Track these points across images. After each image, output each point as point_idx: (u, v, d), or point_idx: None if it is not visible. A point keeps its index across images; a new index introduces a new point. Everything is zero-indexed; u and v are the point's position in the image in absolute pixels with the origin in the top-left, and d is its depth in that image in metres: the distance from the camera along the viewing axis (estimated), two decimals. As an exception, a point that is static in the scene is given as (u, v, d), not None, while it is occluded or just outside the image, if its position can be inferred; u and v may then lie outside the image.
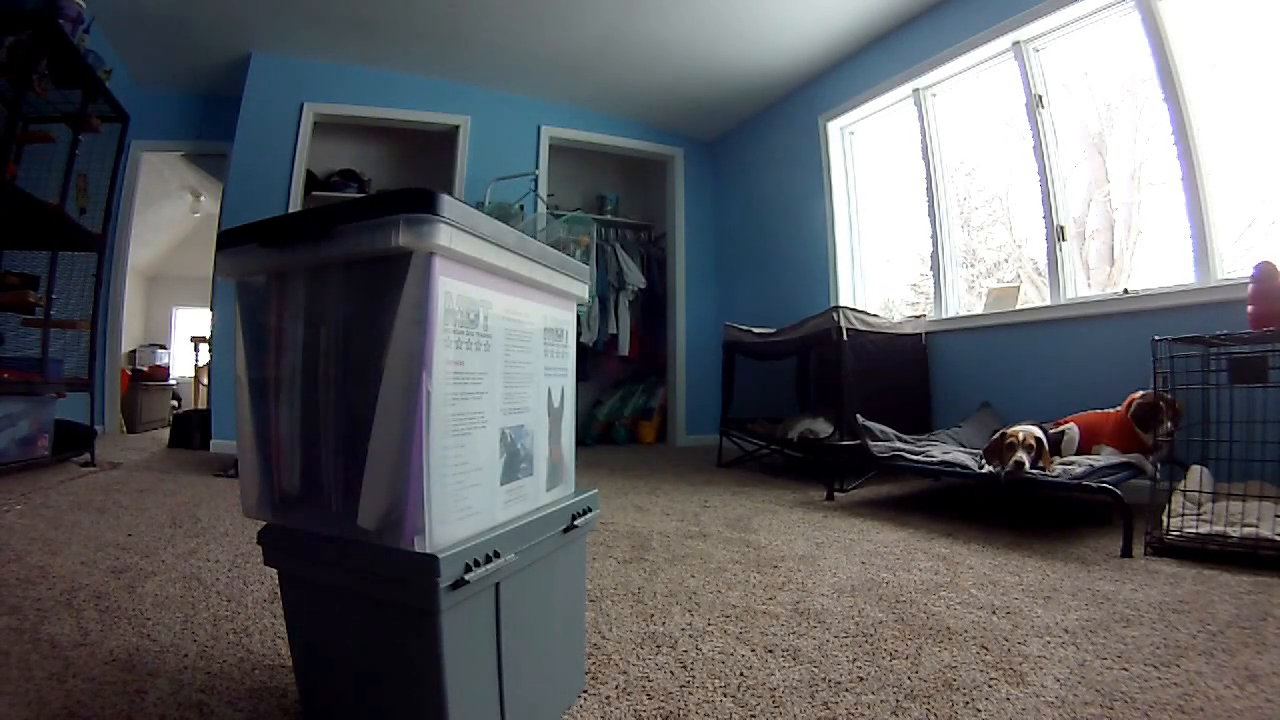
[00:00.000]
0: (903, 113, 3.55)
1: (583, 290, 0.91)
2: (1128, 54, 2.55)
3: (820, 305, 3.31)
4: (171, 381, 6.26)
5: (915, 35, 3.32)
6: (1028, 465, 1.83)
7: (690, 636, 1.07)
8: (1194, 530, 1.58)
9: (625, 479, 2.94)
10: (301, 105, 3.85)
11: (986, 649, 1.02)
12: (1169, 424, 1.85)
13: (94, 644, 1.00)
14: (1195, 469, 1.85)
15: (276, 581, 0.77)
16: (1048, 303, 2.78)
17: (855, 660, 0.98)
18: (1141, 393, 1.98)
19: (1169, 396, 1.82)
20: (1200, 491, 1.74)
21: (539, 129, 4.40)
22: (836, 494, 2.47)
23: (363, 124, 4.20)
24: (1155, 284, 2.42)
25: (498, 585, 0.68)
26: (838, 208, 3.87)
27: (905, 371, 3.08)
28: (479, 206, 3.72)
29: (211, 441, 3.60)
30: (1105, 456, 1.95)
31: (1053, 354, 2.67)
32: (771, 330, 3.35)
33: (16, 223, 2.48)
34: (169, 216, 6.41)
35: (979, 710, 0.82)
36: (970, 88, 3.24)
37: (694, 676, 0.93)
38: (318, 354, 0.67)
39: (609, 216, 5.11)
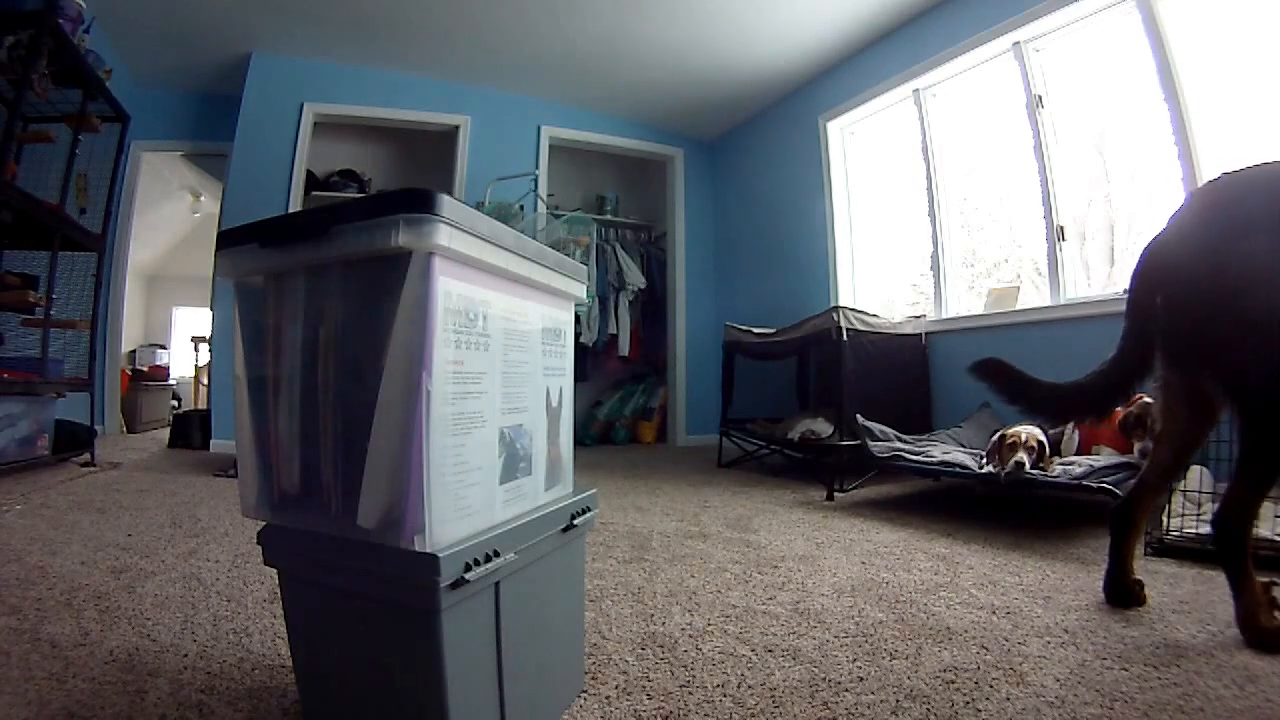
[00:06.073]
0: (903, 113, 3.55)
1: (581, 290, 0.91)
2: (1127, 54, 2.55)
3: (820, 305, 3.30)
4: (171, 381, 6.26)
5: (915, 35, 3.32)
6: (1028, 465, 1.83)
7: (690, 636, 1.07)
8: (1194, 530, 1.57)
9: (625, 479, 2.94)
10: (301, 105, 3.85)
11: (986, 649, 1.01)
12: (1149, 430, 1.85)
13: (94, 644, 1.00)
14: (1195, 469, 1.84)
15: (276, 581, 0.77)
16: (1048, 303, 2.78)
17: (855, 660, 0.98)
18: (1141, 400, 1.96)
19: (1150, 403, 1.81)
20: (1200, 491, 1.74)
21: (539, 129, 4.40)
22: (836, 494, 2.47)
23: (363, 124, 4.20)
24: (1155, 284, 2.42)
25: (497, 585, 0.69)
26: (838, 208, 3.87)
27: (905, 371, 3.08)
28: (479, 206, 3.71)
29: (211, 441, 3.60)
30: (1105, 457, 1.95)
31: (1053, 354, 2.66)
32: (771, 330, 3.35)
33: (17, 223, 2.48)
34: (169, 216, 6.41)
35: (979, 710, 0.82)
36: (970, 88, 3.23)
37: (694, 676, 0.92)
38: (317, 354, 0.67)
39: (609, 217, 5.10)
